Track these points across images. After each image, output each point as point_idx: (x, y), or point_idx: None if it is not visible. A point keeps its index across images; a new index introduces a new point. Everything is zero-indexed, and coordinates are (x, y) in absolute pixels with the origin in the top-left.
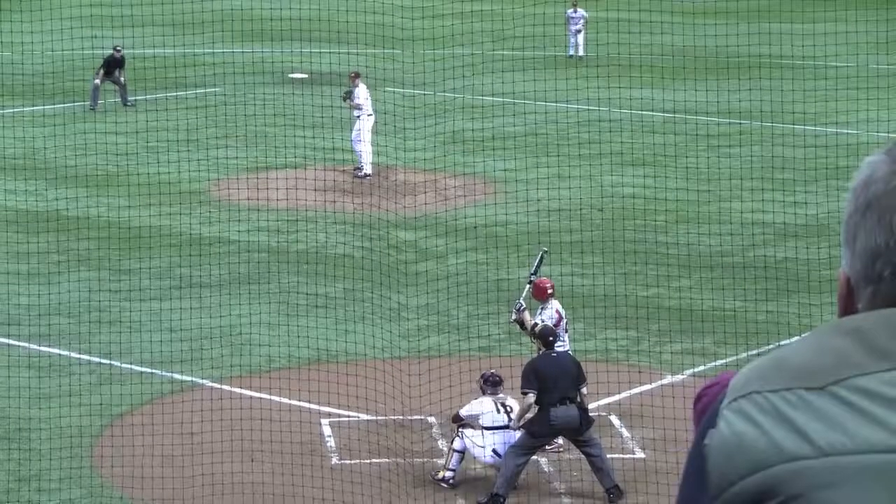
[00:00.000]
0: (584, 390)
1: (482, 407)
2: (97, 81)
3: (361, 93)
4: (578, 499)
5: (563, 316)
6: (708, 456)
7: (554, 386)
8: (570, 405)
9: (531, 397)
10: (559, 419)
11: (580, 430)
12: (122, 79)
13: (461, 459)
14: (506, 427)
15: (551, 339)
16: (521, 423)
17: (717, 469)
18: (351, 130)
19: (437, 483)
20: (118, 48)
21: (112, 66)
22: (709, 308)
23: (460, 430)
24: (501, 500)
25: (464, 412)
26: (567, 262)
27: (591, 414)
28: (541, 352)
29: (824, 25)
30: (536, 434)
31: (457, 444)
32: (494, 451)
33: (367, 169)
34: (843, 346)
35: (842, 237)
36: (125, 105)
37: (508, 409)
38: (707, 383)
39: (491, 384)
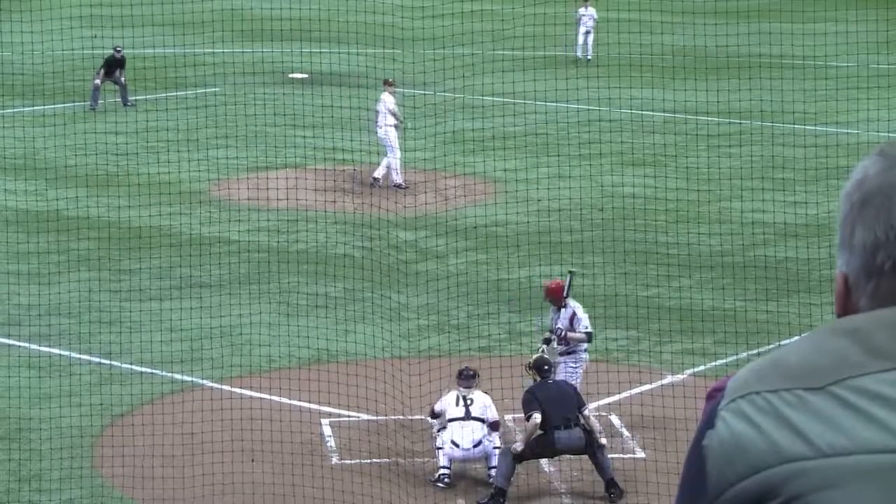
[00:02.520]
0: (587, 412)
1: (445, 398)
2: (97, 81)
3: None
4: (579, 499)
5: (579, 315)
6: (707, 457)
7: (555, 410)
8: (573, 428)
9: (537, 417)
10: (562, 442)
11: (588, 452)
12: (122, 79)
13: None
14: (462, 419)
15: (546, 368)
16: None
17: (716, 470)
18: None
19: (435, 485)
20: (118, 48)
21: (112, 66)
22: (709, 308)
23: (438, 429)
24: (502, 498)
25: (436, 406)
26: (567, 263)
27: (601, 438)
28: (536, 381)
29: (824, 25)
30: (534, 449)
31: (437, 442)
32: (453, 441)
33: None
34: (841, 346)
35: (838, 239)
36: (125, 105)
37: (468, 401)
38: (717, 384)
39: (464, 378)
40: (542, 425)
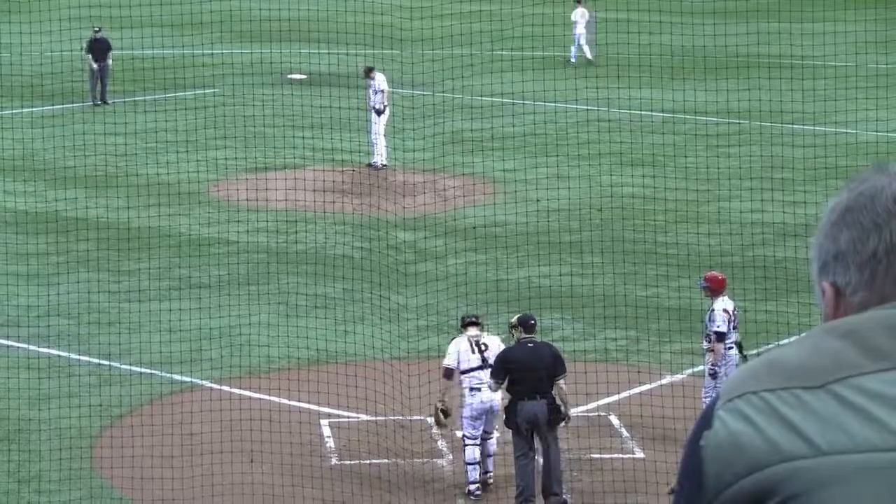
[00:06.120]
0: (562, 383)
1: (458, 346)
2: (94, 66)
3: (383, 84)
4: (579, 500)
5: (733, 313)
6: (704, 457)
7: (526, 378)
8: (539, 400)
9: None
10: (524, 414)
11: (547, 426)
12: (109, 66)
13: (476, 469)
14: (479, 368)
15: (532, 322)
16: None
17: (714, 470)
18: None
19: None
20: (97, 28)
21: (97, 50)
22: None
23: (464, 438)
24: (532, 501)
25: (446, 362)
26: (566, 262)
27: (568, 410)
28: (521, 339)
29: (823, 25)
30: (512, 425)
31: (466, 455)
32: (472, 388)
33: (383, 160)
34: (839, 347)
35: (820, 259)
36: (104, 102)
37: (483, 347)
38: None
39: (472, 324)
40: (509, 390)
